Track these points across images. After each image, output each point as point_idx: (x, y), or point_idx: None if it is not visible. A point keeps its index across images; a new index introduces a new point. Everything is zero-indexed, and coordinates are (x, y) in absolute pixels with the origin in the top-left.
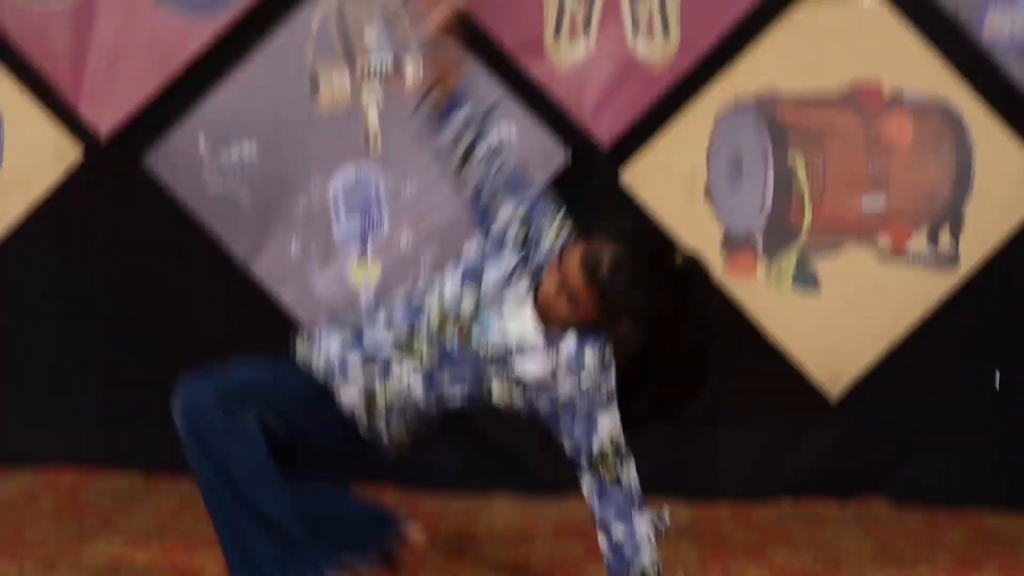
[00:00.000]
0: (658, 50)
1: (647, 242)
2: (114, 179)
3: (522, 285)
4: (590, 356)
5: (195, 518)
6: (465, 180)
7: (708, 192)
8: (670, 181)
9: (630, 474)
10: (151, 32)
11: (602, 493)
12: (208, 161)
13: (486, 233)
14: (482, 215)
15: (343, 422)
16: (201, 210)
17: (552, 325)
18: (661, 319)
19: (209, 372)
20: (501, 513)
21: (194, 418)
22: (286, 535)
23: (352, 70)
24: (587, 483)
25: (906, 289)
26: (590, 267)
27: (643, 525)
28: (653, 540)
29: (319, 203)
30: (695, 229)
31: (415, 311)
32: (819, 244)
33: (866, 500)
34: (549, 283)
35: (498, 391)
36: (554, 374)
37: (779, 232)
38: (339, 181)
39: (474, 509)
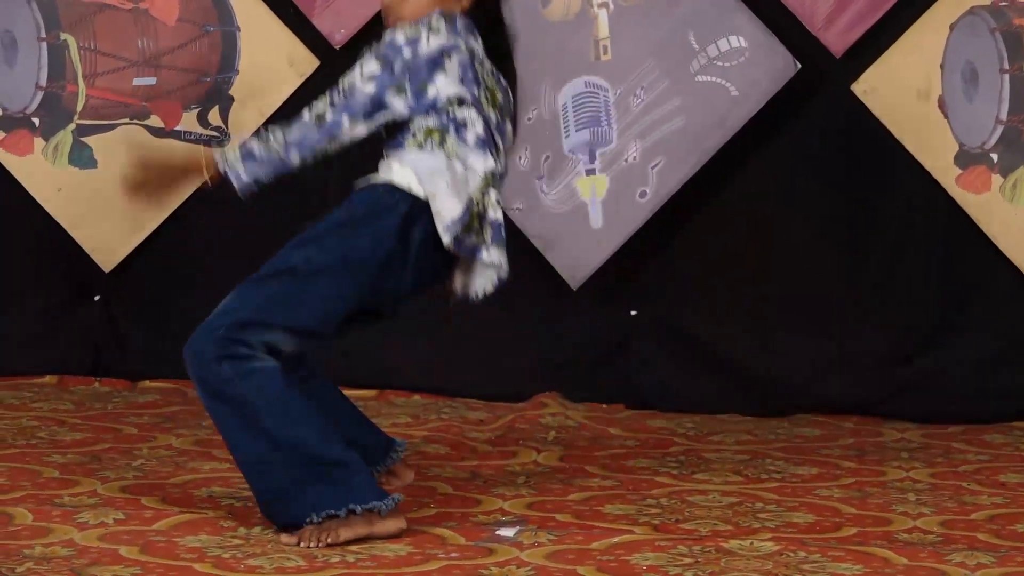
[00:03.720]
0: None
1: None
2: None
3: None
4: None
5: None
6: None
7: (942, 105)
8: (903, 92)
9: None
10: None
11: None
12: None
13: None
14: None
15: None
16: None
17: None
18: None
19: (208, 318)
20: (731, 433)
21: (204, 376)
22: (337, 463)
23: None
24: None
25: None
26: None
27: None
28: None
29: (549, 114)
30: (928, 142)
31: None
32: None
33: None
34: None
35: None
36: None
37: (1014, 146)
38: (568, 92)
39: (705, 429)
